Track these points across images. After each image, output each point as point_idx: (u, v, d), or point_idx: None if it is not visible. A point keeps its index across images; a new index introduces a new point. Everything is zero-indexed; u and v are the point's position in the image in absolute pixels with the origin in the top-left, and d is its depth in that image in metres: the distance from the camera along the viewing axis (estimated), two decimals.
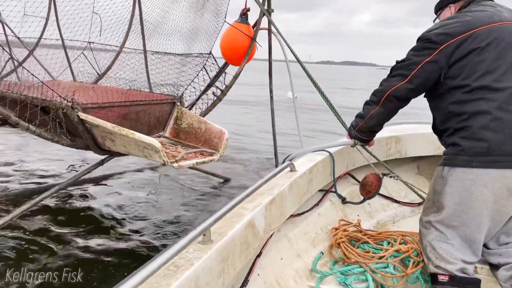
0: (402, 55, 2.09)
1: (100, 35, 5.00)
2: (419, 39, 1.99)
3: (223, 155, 3.33)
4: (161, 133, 3.73)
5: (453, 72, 1.85)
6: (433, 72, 1.89)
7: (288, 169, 2.39)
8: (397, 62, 2.08)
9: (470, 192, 1.76)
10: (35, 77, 3.20)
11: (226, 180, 5.13)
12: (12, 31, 5.84)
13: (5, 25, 5.84)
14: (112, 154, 3.38)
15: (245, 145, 7.39)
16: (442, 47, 1.84)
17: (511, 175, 1.70)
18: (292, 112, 3.96)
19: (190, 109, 4.24)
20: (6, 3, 5.29)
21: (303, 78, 3.33)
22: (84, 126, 3.09)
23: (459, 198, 1.79)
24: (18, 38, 5.87)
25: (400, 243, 2.29)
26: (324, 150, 2.71)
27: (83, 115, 3.03)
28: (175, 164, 2.95)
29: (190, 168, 3.51)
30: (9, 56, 5.75)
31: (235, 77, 4.28)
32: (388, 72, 2.13)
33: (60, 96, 3.03)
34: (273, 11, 4.47)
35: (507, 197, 1.73)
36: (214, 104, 4.17)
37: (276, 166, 5.34)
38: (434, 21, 2.24)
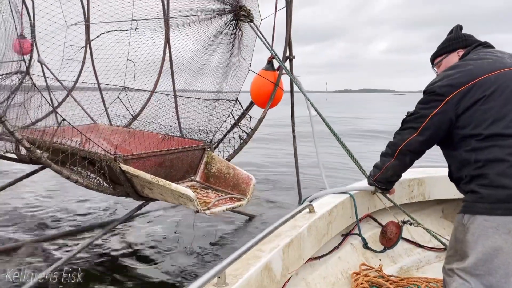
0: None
1: (134, 80, 5.40)
2: (424, 92, 2.05)
3: (250, 200, 3.57)
4: (193, 177, 4.01)
5: (462, 122, 1.88)
6: (443, 123, 1.94)
7: (307, 210, 2.39)
8: (408, 114, 2.14)
9: (494, 240, 1.72)
10: (79, 131, 3.52)
11: (252, 217, 5.34)
12: (52, 73, 6.31)
13: (44, 66, 6.35)
14: (149, 199, 3.68)
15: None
16: (448, 98, 1.89)
17: None
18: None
19: (216, 147, 4.54)
20: (46, 45, 5.81)
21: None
22: (125, 176, 3.40)
23: (483, 247, 1.75)
24: (58, 79, 6.34)
25: None
26: (345, 192, 2.70)
27: (124, 167, 3.34)
28: (207, 212, 3.21)
29: None
30: (48, 99, 6.25)
31: (260, 120, 4.57)
32: (400, 124, 2.20)
33: (104, 149, 3.36)
34: (294, 58, 4.78)
35: None
36: (240, 147, 4.45)
37: (300, 202, 5.55)
38: (433, 67, 2.29)
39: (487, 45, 2.12)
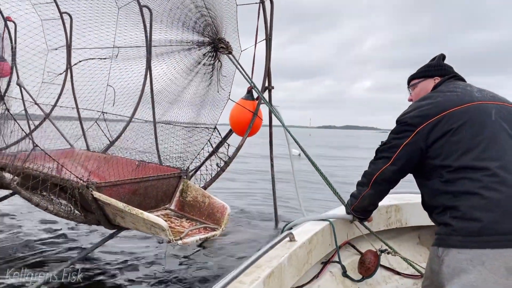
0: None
1: (113, 105, 5.38)
2: (397, 122, 2.09)
3: (224, 230, 3.53)
4: (167, 205, 3.96)
5: (432, 152, 1.91)
6: (414, 153, 1.98)
7: (287, 239, 2.36)
8: (382, 144, 2.16)
9: (469, 272, 1.71)
10: (51, 157, 3.45)
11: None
12: (30, 96, 6.25)
13: (23, 89, 6.29)
14: (121, 228, 3.61)
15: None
16: (419, 129, 1.93)
17: (509, 254, 1.68)
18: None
19: (193, 174, 4.50)
20: (27, 68, 5.77)
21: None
22: (97, 204, 3.34)
23: (458, 279, 1.74)
24: (36, 102, 6.27)
25: None
26: (324, 220, 2.69)
27: (96, 194, 3.29)
28: (180, 242, 3.16)
29: None
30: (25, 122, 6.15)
31: (238, 149, 4.59)
32: (374, 154, 2.22)
33: (76, 177, 3.30)
34: (273, 88, 4.86)
35: (506, 276, 1.68)
36: (217, 175, 4.44)
37: (276, 227, 5.53)
38: (408, 88, 2.35)
39: (458, 77, 2.18)
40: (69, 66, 6.09)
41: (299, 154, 4.22)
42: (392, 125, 2.18)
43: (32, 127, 6.12)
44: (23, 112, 6.01)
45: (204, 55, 3.96)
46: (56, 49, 5.74)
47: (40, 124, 6.26)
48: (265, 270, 1.94)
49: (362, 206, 2.41)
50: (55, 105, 6.37)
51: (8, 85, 6.31)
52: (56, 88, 6.32)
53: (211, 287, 1.50)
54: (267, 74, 4.78)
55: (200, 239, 3.32)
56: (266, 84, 4.80)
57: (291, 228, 2.60)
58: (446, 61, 2.36)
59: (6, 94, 6.12)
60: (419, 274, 2.95)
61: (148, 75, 5.15)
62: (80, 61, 5.24)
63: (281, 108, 4.83)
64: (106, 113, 5.38)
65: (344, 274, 2.71)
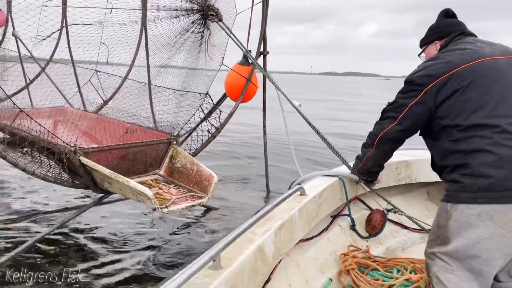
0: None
1: (106, 64, 5.30)
2: (404, 82, 2.07)
3: (211, 198, 3.59)
4: (157, 170, 4.00)
5: (441, 112, 1.90)
6: (422, 113, 1.97)
7: (298, 193, 2.42)
8: (388, 104, 2.16)
9: (476, 226, 1.73)
10: (36, 121, 3.40)
11: (210, 209, 5.17)
12: (26, 47, 6.14)
13: (19, 41, 6.17)
14: (110, 192, 3.67)
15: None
16: (427, 88, 1.91)
17: None
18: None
19: (184, 140, 4.51)
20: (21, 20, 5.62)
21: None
22: (85, 169, 3.38)
23: (465, 232, 1.76)
24: (32, 55, 6.17)
25: (410, 272, 2.33)
26: (334, 175, 2.76)
27: (84, 160, 3.32)
28: (165, 210, 3.22)
29: None
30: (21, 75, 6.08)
31: (230, 115, 4.55)
32: (380, 114, 2.21)
33: (63, 141, 3.32)
34: (268, 53, 4.74)
35: None
36: (208, 141, 4.44)
37: (267, 195, 5.61)
38: (419, 55, 2.34)
39: (468, 33, 2.12)
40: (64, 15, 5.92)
41: (300, 105, 4.15)
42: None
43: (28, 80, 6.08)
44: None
45: (192, 22, 3.83)
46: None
47: (36, 77, 6.19)
48: (277, 222, 2.01)
49: (366, 167, 2.43)
50: (50, 59, 6.27)
51: (4, 36, 6.18)
52: (52, 41, 6.20)
53: (225, 237, 1.55)
54: (262, 38, 4.65)
55: (186, 207, 3.37)
56: (261, 49, 4.68)
57: (300, 183, 2.64)
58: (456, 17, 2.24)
59: (2, 46, 6.04)
60: (426, 229, 2.99)
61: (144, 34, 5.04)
62: (70, 24, 5.10)
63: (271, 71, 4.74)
64: (100, 72, 5.31)
65: (353, 227, 2.80)
